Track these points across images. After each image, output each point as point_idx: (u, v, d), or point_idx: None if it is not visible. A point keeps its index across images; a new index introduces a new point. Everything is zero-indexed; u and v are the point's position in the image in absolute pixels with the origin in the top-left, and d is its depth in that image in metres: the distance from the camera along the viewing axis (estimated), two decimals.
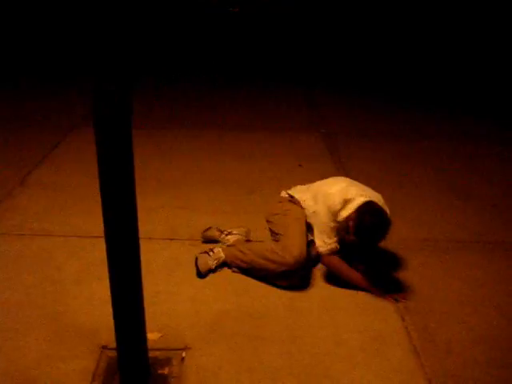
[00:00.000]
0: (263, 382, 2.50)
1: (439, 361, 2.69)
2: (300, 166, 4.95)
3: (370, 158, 5.32)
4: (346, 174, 4.77)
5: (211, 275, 3.26)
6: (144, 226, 3.62)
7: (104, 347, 2.64)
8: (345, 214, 3.04)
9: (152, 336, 2.65)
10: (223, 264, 3.33)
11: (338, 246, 3.18)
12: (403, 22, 11.79)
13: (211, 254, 3.32)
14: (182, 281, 3.22)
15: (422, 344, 2.79)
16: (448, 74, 9.22)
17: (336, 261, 3.21)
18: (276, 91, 7.72)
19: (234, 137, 5.69)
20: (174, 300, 3.04)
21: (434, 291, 3.24)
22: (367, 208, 2.99)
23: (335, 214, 3.10)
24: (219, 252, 3.34)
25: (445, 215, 4.19)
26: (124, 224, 2.03)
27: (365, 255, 3.36)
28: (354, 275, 3.20)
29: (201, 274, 3.25)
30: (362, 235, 2.95)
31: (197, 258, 3.29)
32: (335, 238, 3.17)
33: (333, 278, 3.27)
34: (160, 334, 2.74)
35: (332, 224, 3.14)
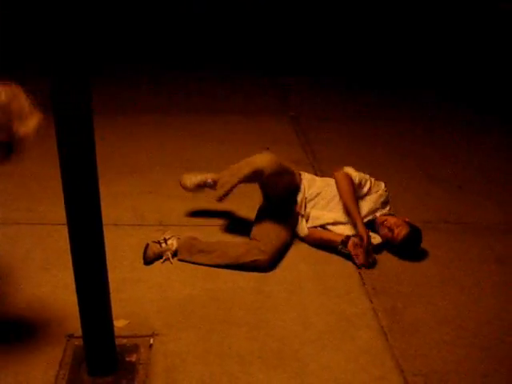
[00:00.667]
0: (232, 367, 2.50)
1: (406, 341, 2.71)
2: (267, 149, 4.94)
3: (337, 140, 5.32)
4: (314, 157, 4.78)
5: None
6: (111, 212, 3.64)
7: (70, 336, 2.60)
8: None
9: (119, 323, 2.63)
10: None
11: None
12: (369, 6, 11.78)
13: (163, 245, 3.29)
14: (149, 267, 3.19)
15: (390, 325, 2.82)
16: (414, 57, 9.26)
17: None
18: (244, 76, 7.66)
19: (202, 121, 5.63)
20: (141, 286, 3.01)
21: (401, 272, 3.27)
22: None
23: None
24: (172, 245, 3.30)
25: (412, 196, 4.22)
26: (87, 210, 1.99)
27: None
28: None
29: (146, 262, 3.23)
30: (406, 245, 3.39)
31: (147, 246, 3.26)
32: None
33: (300, 260, 3.28)
34: (127, 321, 2.72)
35: None
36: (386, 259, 3.38)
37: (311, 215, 3.51)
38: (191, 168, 4.34)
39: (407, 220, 3.45)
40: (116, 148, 4.79)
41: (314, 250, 3.43)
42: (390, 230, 3.40)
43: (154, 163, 4.55)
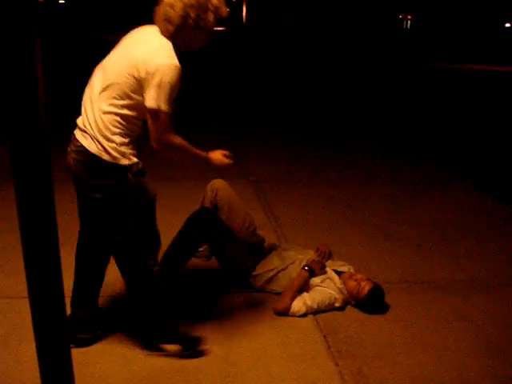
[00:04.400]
0: None
1: None
2: None
3: (297, 203, 5.41)
4: (276, 221, 4.84)
5: None
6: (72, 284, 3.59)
7: None
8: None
9: None
10: None
11: None
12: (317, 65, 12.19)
13: None
14: (113, 338, 3.15)
15: None
16: (370, 114, 9.57)
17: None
18: (201, 139, 7.76)
19: (160, 188, 5.64)
20: (106, 359, 2.96)
21: (365, 334, 3.29)
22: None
23: None
24: None
25: (371, 256, 4.29)
26: (48, 281, 1.97)
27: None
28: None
29: None
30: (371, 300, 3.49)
31: None
32: None
33: (265, 327, 3.28)
34: None
35: None
36: (350, 322, 3.40)
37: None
38: None
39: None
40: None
41: (278, 317, 3.43)
42: (358, 283, 3.50)
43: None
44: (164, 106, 2.62)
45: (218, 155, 3.05)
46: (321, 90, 11.26)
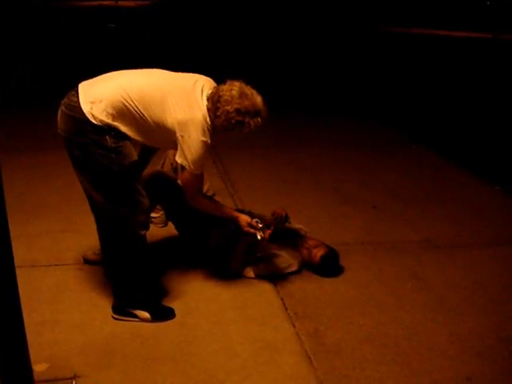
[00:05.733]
0: None
1: (330, 363, 2.75)
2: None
3: (252, 166, 5.40)
4: (233, 186, 4.82)
5: (100, 298, 3.18)
6: (26, 254, 3.54)
7: None
8: None
9: (39, 367, 2.54)
10: None
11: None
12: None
13: None
14: (69, 307, 3.11)
15: (313, 348, 2.85)
16: (325, 82, 9.56)
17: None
18: None
19: None
20: (61, 328, 2.93)
21: (322, 295, 3.32)
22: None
23: None
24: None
25: (328, 218, 4.33)
26: None
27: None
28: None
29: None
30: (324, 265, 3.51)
31: None
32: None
33: (222, 291, 3.29)
34: (47, 365, 2.63)
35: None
36: (306, 284, 3.43)
37: None
38: None
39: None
40: (30, 188, 4.67)
41: (236, 279, 3.43)
42: (309, 250, 3.51)
43: (68, 201, 4.45)
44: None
45: (247, 219, 3.24)
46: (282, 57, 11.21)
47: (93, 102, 2.72)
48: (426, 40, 17.39)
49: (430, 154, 6.14)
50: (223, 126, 2.92)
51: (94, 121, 2.70)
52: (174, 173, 3.70)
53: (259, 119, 2.94)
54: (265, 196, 4.68)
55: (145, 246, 2.97)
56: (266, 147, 6.05)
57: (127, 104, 2.76)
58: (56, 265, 3.54)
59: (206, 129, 2.88)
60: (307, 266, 3.55)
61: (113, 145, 2.74)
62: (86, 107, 2.71)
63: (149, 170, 3.47)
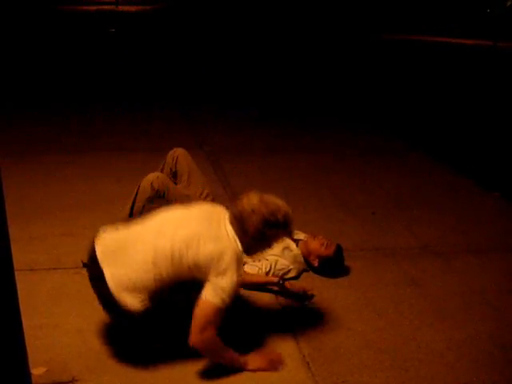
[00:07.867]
0: None
1: (328, 368, 2.75)
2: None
3: (253, 173, 5.40)
4: (232, 190, 4.83)
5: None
6: (25, 257, 3.54)
7: None
8: None
9: (37, 371, 2.55)
10: None
11: None
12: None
13: None
14: (67, 311, 3.10)
15: (312, 353, 2.86)
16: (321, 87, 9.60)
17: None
18: (156, 112, 7.70)
19: (114, 159, 5.60)
20: (60, 332, 2.93)
21: (320, 300, 3.33)
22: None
23: None
24: None
25: (328, 224, 4.32)
26: None
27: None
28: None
29: None
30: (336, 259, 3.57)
31: None
32: None
33: None
34: (45, 369, 2.63)
35: None
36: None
37: None
38: (106, 208, 4.28)
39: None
40: (29, 192, 4.67)
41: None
42: (322, 242, 3.57)
43: (67, 204, 4.45)
44: None
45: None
46: (280, 66, 11.25)
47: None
48: (427, 47, 17.45)
49: (429, 160, 6.16)
50: (254, 238, 2.65)
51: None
52: (173, 178, 3.72)
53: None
54: None
55: None
56: (264, 153, 6.08)
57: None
58: (55, 268, 3.55)
59: (239, 257, 2.62)
60: (307, 270, 3.56)
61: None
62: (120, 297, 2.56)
63: (148, 175, 3.50)
